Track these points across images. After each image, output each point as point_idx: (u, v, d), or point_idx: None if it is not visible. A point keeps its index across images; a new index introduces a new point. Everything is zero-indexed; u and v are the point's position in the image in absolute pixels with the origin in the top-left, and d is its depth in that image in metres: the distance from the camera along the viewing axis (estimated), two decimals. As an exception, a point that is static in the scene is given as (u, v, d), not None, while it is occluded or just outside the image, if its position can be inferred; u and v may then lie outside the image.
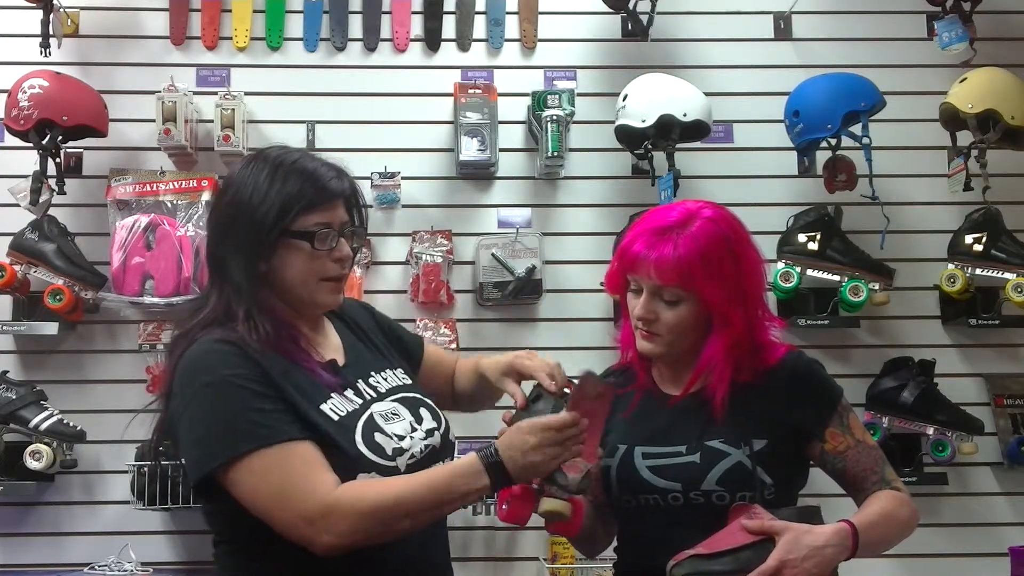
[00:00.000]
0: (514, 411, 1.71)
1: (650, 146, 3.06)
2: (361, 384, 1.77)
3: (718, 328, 1.77)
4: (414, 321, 3.08)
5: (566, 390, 1.72)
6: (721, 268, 1.75)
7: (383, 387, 1.79)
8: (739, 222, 1.85)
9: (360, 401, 1.73)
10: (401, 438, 1.70)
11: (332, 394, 1.70)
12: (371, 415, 1.71)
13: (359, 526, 1.56)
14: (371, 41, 3.33)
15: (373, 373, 1.81)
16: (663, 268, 1.75)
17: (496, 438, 1.76)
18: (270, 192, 1.69)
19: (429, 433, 1.76)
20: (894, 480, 1.80)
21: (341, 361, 1.80)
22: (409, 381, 1.86)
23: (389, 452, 1.67)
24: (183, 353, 1.67)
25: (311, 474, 1.58)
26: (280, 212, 1.68)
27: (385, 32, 3.33)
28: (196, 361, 1.65)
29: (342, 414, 1.68)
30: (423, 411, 1.79)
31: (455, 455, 1.87)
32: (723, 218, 1.81)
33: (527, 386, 1.78)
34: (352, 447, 1.65)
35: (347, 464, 1.63)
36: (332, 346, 1.82)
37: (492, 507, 2.80)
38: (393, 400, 1.77)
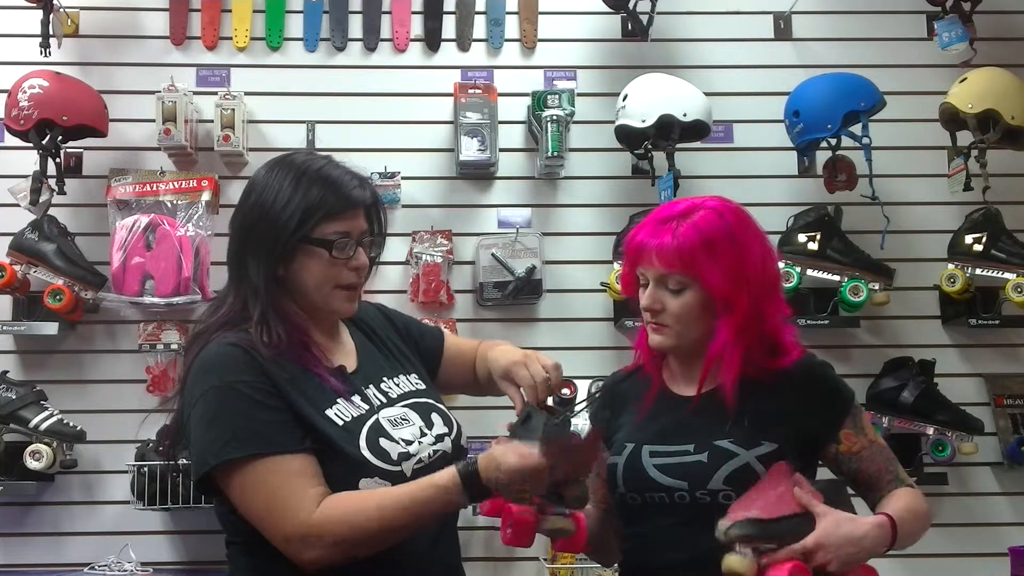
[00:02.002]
0: (514, 421, 1.75)
1: (650, 146, 3.06)
2: (371, 390, 1.77)
3: (722, 314, 1.77)
4: (414, 321, 3.08)
5: (564, 392, 1.75)
6: (722, 254, 1.76)
7: (394, 392, 1.80)
8: (745, 214, 1.85)
9: (367, 407, 1.73)
10: (408, 443, 1.71)
11: (338, 399, 1.71)
12: (377, 420, 1.72)
13: (338, 545, 1.58)
14: (371, 41, 3.33)
15: (385, 379, 1.82)
16: (664, 255, 1.77)
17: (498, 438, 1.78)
18: (293, 198, 1.71)
19: (439, 439, 1.76)
20: (907, 479, 1.81)
21: (352, 367, 1.81)
22: (423, 386, 1.87)
23: (394, 457, 1.68)
24: (198, 353, 1.69)
25: (296, 491, 1.59)
26: (301, 219, 1.70)
27: (385, 32, 3.34)
28: (206, 363, 1.67)
29: (347, 419, 1.69)
30: (434, 416, 1.80)
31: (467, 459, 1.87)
32: (728, 209, 1.82)
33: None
34: (356, 452, 1.66)
35: (350, 469, 1.64)
36: (345, 352, 1.83)
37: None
38: (404, 406, 1.78)
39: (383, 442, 1.69)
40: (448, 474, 1.61)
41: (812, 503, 1.65)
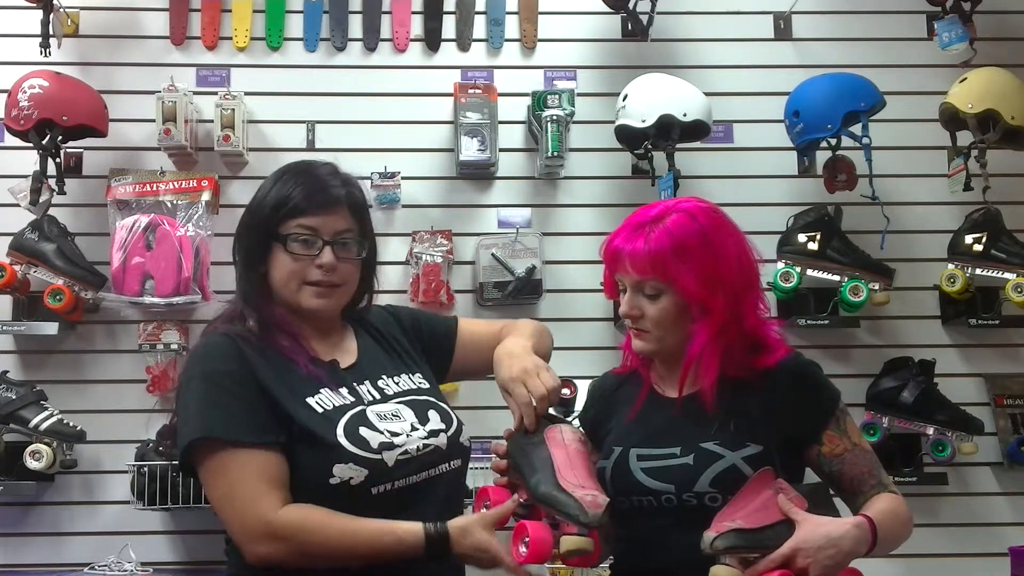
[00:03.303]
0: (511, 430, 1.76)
1: (650, 146, 3.06)
2: (365, 385, 1.79)
3: (698, 318, 1.77)
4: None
5: (565, 392, 1.76)
6: (695, 258, 1.75)
7: (391, 390, 1.82)
8: (720, 215, 1.84)
9: (353, 399, 1.76)
10: (395, 435, 1.72)
11: (322, 389, 1.74)
12: (362, 412, 1.74)
13: (290, 551, 1.62)
14: (371, 41, 3.33)
15: (384, 376, 1.83)
16: (637, 261, 1.77)
17: (500, 438, 1.79)
18: (269, 195, 1.78)
19: (433, 434, 1.77)
20: (890, 484, 1.80)
21: (349, 363, 1.83)
22: (425, 385, 1.88)
23: (374, 446, 1.69)
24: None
25: (258, 485, 1.63)
26: (270, 214, 1.76)
27: (385, 32, 3.34)
28: (195, 354, 1.75)
29: (328, 408, 1.72)
30: (431, 413, 1.81)
31: (469, 458, 1.88)
32: (701, 211, 1.81)
33: None
34: (331, 438, 1.68)
35: (324, 455, 1.66)
36: (341, 350, 1.86)
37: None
38: (398, 402, 1.79)
39: (363, 431, 1.70)
40: (413, 528, 1.64)
41: (792, 510, 1.64)
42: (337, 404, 1.73)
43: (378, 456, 1.68)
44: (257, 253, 1.78)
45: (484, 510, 1.67)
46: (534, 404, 1.73)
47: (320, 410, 1.70)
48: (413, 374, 1.88)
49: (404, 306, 2.06)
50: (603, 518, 1.62)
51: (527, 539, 1.61)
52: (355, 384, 1.78)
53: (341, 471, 1.65)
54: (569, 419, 1.82)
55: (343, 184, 1.81)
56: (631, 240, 1.78)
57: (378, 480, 1.68)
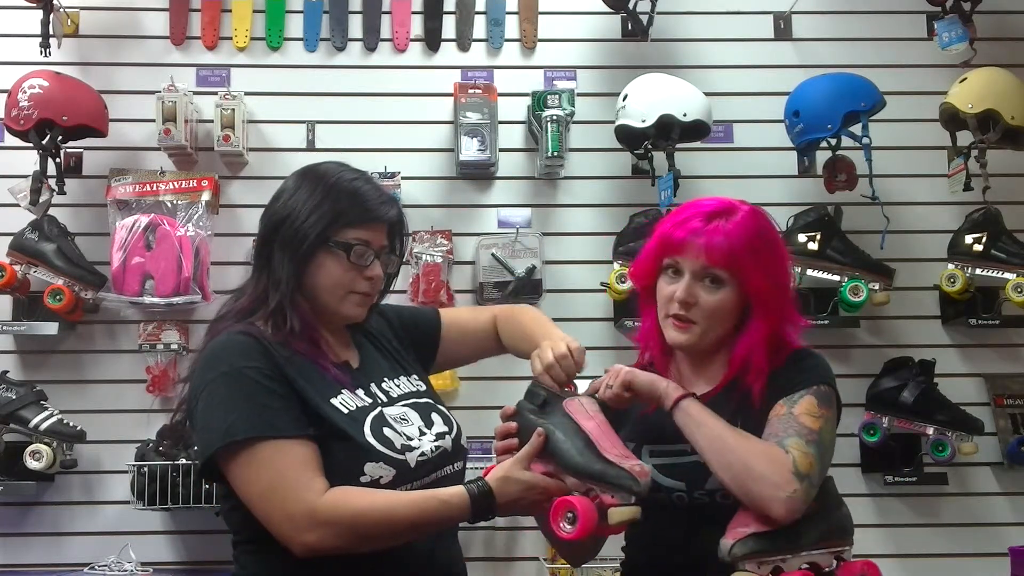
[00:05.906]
0: (517, 404, 1.75)
1: (650, 146, 3.06)
2: (372, 387, 1.81)
3: (759, 316, 1.77)
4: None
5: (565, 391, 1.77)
6: (764, 257, 1.78)
7: (394, 393, 1.84)
8: (773, 221, 1.88)
9: (370, 400, 1.78)
10: (411, 438, 1.74)
11: (343, 390, 1.75)
12: (381, 413, 1.76)
13: (339, 533, 1.60)
14: (371, 41, 3.33)
15: (386, 379, 1.85)
16: (714, 250, 1.76)
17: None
18: (323, 204, 1.77)
19: (440, 436, 1.79)
20: (792, 447, 1.63)
21: (355, 366, 1.85)
22: (423, 387, 1.91)
23: (398, 446, 1.71)
24: (208, 343, 1.75)
25: (303, 475, 1.62)
26: (328, 222, 1.76)
27: (385, 32, 3.34)
28: (215, 352, 1.72)
29: (352, 408, 1.73)
30: (434, 416, 1.83)
31: (467, 459, 1.89)
32: (761, 213, 1.85)
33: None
34: (361, 437, 1.69)
35: (357, 454, 1.67)
36: (348, 354, 1.87)
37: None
38: (403, 405, 1.81)
39: (387, 431, 1.72)
40: (455, 491, 1.65)
41: None
42: (359, 405, 1.74)
43: (402, 457, 1.70)
44: (302, 255, 1.77)
45: (566, 524, 1.59)
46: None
47: (345, 411, 1.72)
48: (409, 376, 1.91)
49: (387, 304, 2.03)
50: (649, 487, 1.62)
51: (572, 514, 1.58)
52: (367, 385, 1.81)
53: (372, 470, 1.67)
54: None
55: (388, 202, 1.84)
56: (706, 230, 1.77)
57: (403, 480, 1.69)
